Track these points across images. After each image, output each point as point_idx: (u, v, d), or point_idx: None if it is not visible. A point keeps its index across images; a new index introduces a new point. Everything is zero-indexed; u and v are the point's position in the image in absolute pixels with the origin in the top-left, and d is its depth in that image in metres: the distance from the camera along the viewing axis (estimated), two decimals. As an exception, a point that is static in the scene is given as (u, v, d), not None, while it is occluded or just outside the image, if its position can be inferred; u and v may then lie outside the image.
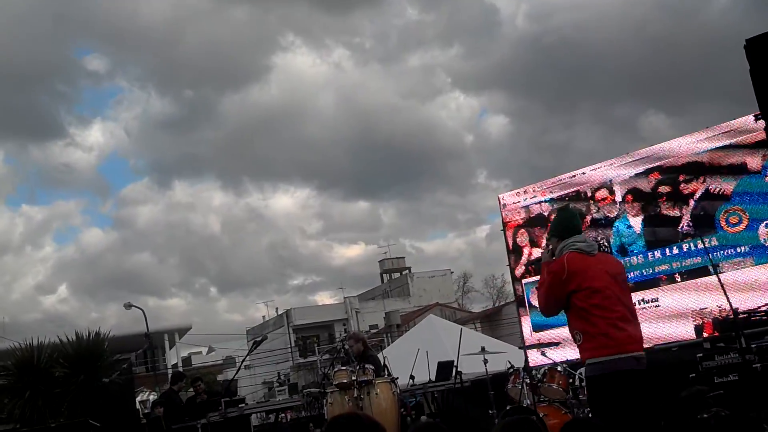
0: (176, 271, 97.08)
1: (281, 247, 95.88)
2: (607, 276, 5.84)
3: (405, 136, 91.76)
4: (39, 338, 18.02)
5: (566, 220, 6.15)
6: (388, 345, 24.25)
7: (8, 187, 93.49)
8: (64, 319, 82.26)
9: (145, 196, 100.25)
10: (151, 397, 20.42)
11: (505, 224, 14.59)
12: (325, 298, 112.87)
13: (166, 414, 13.58)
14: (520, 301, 14.50)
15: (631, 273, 12.76)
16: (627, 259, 12.82)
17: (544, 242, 13.73)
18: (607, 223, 13.12)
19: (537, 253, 13.96)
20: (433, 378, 12.97)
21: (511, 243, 14.43)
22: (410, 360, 12.99)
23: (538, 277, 13.56)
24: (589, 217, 13.31)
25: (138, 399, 22.99)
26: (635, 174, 12.89)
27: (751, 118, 11.59)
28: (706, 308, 11.89)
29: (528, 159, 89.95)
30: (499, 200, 14.83)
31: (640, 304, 12.61)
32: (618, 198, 13.01)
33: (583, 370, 10.93)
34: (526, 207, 14.22)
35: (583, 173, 13.54)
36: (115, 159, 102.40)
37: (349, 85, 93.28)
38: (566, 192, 13.67)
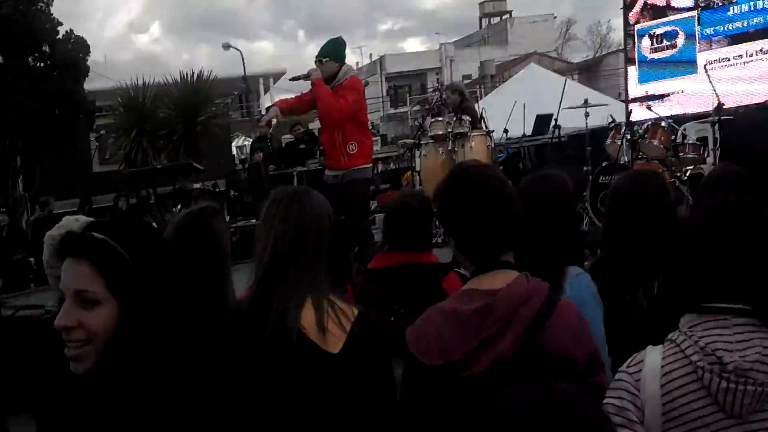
0: (264, 12, 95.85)
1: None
2: None
3: None
4: (143, 78, 18.23)
5: (344, 47, 7.23)
6: (481, 97, 23.48)
7: None
8: (157, 60, 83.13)
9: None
10: (246, 143, 20.72)
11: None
12: (415, 45, 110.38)
13: (265, 159, 13.66)
14: (628, 51, 13.49)
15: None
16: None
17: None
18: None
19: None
20: (528, 132, 12.68)
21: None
22: (506, 112, 12.63)
23: (653, 22, 12.69)
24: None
25: (234, 144, 23.48)
26: None
27: None
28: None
29: None
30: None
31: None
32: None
33: (688, 125, 10.41)
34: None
35: None
36: None
37: None
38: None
